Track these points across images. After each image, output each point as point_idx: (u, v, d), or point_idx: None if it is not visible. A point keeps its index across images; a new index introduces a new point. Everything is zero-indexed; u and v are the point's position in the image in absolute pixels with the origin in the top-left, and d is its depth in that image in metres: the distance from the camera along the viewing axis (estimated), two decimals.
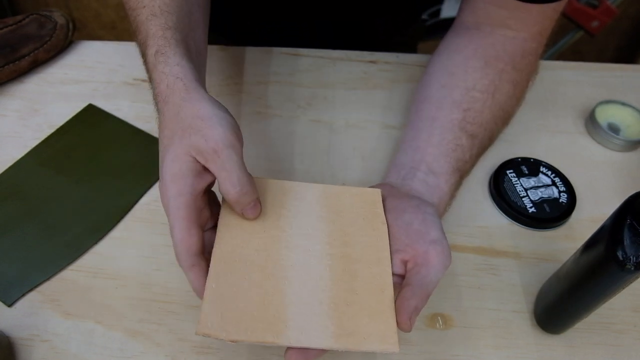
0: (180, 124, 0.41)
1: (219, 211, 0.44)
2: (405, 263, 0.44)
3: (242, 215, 0.43)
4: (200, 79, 0.45)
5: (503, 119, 0.55)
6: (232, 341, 0.38)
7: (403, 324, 0.40)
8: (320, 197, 0.47)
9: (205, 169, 0.41)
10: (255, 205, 0.43)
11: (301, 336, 0.38)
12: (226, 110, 0.42)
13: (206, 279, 0.40)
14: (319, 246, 0.43)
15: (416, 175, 0.50)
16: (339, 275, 0.42)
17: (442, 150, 0.51)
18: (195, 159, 0.40)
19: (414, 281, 0.41)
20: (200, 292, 0.40)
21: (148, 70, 0.46)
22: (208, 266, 0.41)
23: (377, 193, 0.48)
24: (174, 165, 0.40)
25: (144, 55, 0.47)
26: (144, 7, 0.47)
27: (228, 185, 0.40)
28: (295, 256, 0.43)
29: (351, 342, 0.39)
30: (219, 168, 0.40)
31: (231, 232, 0.43)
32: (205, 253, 0.41)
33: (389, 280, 0.42)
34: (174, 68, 0.43)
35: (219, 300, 0.39)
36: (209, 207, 0.43)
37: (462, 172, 0.51)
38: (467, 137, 0.52)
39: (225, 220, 0.43)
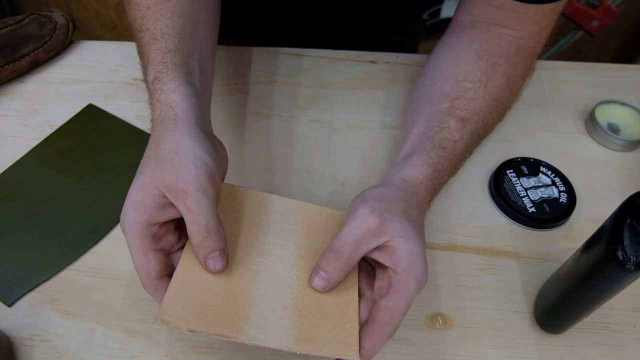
0: (156, 155, 0.41)
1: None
2: None
3: (205, 266, 0.40)
4: (202, 105, 0.44)
5: (497, 109, 0.54)
6: (190, 331, 0.38)
7: (312, 285, 0.42)
8: (297, 213, 0.47)
9: (171, 205, 0.40)
10: (220, 256, 0.40)
11: (261, 335, 0.39)
12: (207, 148, 0.41)
13: None
14: (290, 257, 0.44)
15: (391, 166, 0.49)
16: (306, 286, 0.42)
17: (422, 137, 0.49)
18: (164, 194, 0.40)
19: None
20: None
21: (149, 98, 0.46)
22: None
23: None
24: (138, 194, 0.40)
25: (145, 80, 0.47)
26: (147, 29, 0.47)
27: (194, 228, 0.39)
28: (265, 262, 0.43)
29: (311, 346, 0.39)
30: (186, 210, 0.39)
31: None
32: (171, 274, 0.41)
33: (354, 296, 0.43)
34: (169, 96, 0.42)
35: (184, 291, 0.39)
36: (178, 231, 0.43)
37: (450, 150, 0.49)
38: (455, 120, 0.50)
39: None
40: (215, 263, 0.40)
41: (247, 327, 0.39)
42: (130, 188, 0.41)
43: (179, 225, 0.43)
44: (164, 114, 0.42)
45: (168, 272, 0.41)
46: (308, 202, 0.48)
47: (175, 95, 0.42)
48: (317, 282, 0.41)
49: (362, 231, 0.40)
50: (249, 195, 0.47)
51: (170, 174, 0.39)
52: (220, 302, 0.40)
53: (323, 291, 0.41)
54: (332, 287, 0.41)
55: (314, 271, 0.42)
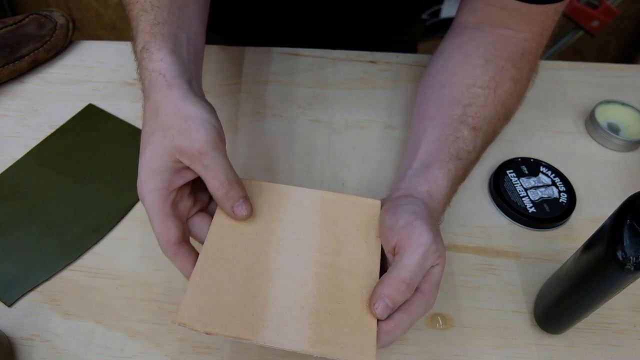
0: (161, 122, 0.41)
1: (205, 197, 0.45)
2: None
3: (233, 215, 0.43)
4: (189, 73, 0.45)
5: (505, 115, 0.54)
6: (208, 333, 0.38)
7: (372, 310, 0.40)
8: (317, 203, 0.46)
9: (186, 168, 0.42)
10: (245, 203, 0.43)
11: (277, 337, 0.39)
12: (208, 109, 0.43)
13: (192, 263, 0.41)
14: (308, 252, 0.43)
15: (406, 174, 0.49)
16: (325, 284, 0.42)
17: (437, 145, 0.50)
18: (178, 159, 0.41)
19: (390, 270, 0.41)
20: (189, 276, 0.41)
21: (137, 67, 0.46)
22: (192, 251, 0.42)
23: (376, 205, 0.47)
24: (152, 163, 0.41)
25: (134, 51, 0.47)
26: (137, 2, 0.48)
27: (216, 183, 0.41)
28: (283, 259, 0.43)
29: (327, 349, 0.39)
30: (205, 169, 0.41)
31: (223, 230, 0.43)
32: (188, 240, 0.43)
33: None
34: (157, 64, 0.43)
35: (201, 293, 0.40)
36: (193, 195, 0.44)
37: (465, 161, 0.50)
38: (468, 129, 0.51)
39: (219, 219, 0.44)
40: (242, 209, 0.43)
41: (264, 329, 0.39)
42: (141, 158, 0.42)
43: (192, 190, 0.44)
44: (154, 81, 0.43)
45: (186, 238, 0.43)
46: (328, 191, 0.48)
47: (162, 64, 0.43)
48: (383, 310, 0.39)
49: (428, 261, 0.41)
50: (267, 189, 0.47)
51: (182, 139, 0.40)
52: (236, 303, 0.40)
53: (382, 317, 0.40)
54: None
55: (377, 297, 0.40)
